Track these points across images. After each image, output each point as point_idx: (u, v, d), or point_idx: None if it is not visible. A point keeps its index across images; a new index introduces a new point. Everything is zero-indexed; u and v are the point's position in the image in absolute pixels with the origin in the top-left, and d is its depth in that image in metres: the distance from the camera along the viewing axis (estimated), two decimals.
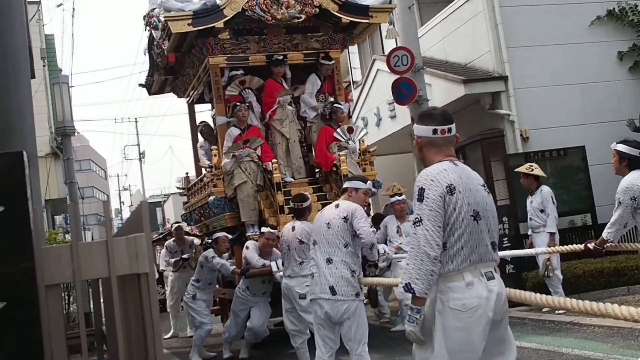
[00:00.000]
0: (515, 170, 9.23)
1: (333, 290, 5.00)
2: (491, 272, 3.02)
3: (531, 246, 8.65)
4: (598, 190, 11.10)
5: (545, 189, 8.73)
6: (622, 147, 5.53)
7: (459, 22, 12.87)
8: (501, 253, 6.08)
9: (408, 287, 2.92)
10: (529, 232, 8.97)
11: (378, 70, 14.84)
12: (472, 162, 11.15)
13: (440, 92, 12.28)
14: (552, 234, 8.57)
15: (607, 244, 5.45)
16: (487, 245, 3.03)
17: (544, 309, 8.32)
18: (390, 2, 9.53)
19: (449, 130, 3.19)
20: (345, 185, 5.52)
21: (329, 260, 5.06)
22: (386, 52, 11.62)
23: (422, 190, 3.00)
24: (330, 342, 5.21)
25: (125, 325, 1.83)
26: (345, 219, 5.11)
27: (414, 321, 2.98)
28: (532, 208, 8.76)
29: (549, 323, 7.88)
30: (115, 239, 1.64)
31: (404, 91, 10.73)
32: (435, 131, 3.16)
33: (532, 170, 8.73)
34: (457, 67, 12.78)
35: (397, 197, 8.60)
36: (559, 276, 8.57)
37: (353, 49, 16.78)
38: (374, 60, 15.40)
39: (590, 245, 5.48)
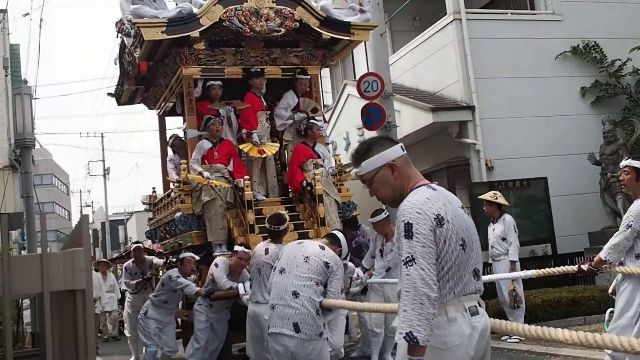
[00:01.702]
0: (480, 197, 9.31)
1: (297, 328, 4.69)
2: (475, 306, 2.77)
3: None
4: (558, 221, 11.29)
5: (507, 218, 8.81)
6: (639, 164, 5.34)
7: (429, 51, 13.06)
8: (488, 277, 6.00)
9: (410, 337, 2.55)
10: (489, 260, 9.03)
11: (349, 95, 14.95)
12: None
13: (408, 119, 12.40)
14: (513, 262, 8.63)
15: (604, 265, 5.30)
16: (470, 274, 2.78)
17: (503, 337, 8.37)
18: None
19: None
20: (335, 234, 5.40)
21: (295, 294, 4.75)
22: (357, 77, 11.73)
23: (409, 226, 2.66)
24: None
25: (60, 344, 1.79)
26: (328, 265, 4.86)
27: None
28: (494, 236, 8.82)
29: (507, 351, 7.92)
30: (51, 253, 1.59)
31: (373, 117, 10.78)
32: (403, 147, 2.93)
33: (496, 198, 8.81)
34: (427, 95, 12.94)
35: (377, 217, 7.88)
36: (523, 307, 8.62)
37: (325, 72, 16.87)
38: (345, 85, 15.52)
39: (584, 267, 5.37)
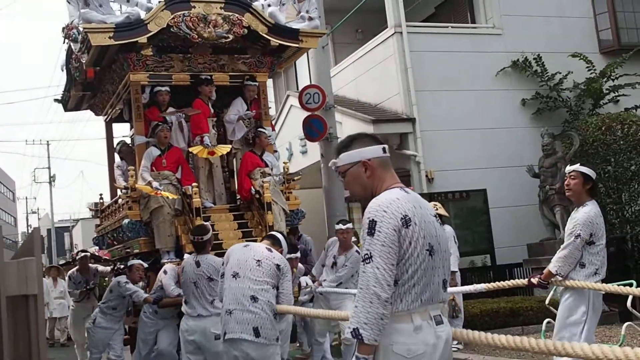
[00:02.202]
0: None
1: (257, 332, 4.72)
2: (440, 315, 2.77)
3: None
4: (497, 233, 11.56)
5: (448, 229, 8.94)
6: (587, 170, 5.26)
7: (371, 63, 13.24)
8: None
9: (356, 333, 2.59)
10: None
11: (291, 106, 15.00)
12: None
13: (350, 130, 12.47)
14: (453, 273, 8.78)
15: (553, 279, 5.21)
16: (438, 283, 2.75)
17: None
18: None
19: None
20: (274, 234, 5.43)
21: (254, 298, 4.79)
22: (300, 89, 11.80)
23: (373, 223, 2.66)
24: None
25: (14, 347, 1.78)
26: (279, 268, 4.95)
27: None
28: None
29: None
30: (7, 262, 1.63)
31: (315, 128, 10.90)
32: (384, 150, 2.92)
33: (437, 209, 8.95)
34: (368, 107, 13.10)
35: (340, 226, 7.95)
36: (462, 317, 8.77)
37: (268, 83, 16.90)
38: (288, 96, 15.58)
39: (534, 280, 5.29)
